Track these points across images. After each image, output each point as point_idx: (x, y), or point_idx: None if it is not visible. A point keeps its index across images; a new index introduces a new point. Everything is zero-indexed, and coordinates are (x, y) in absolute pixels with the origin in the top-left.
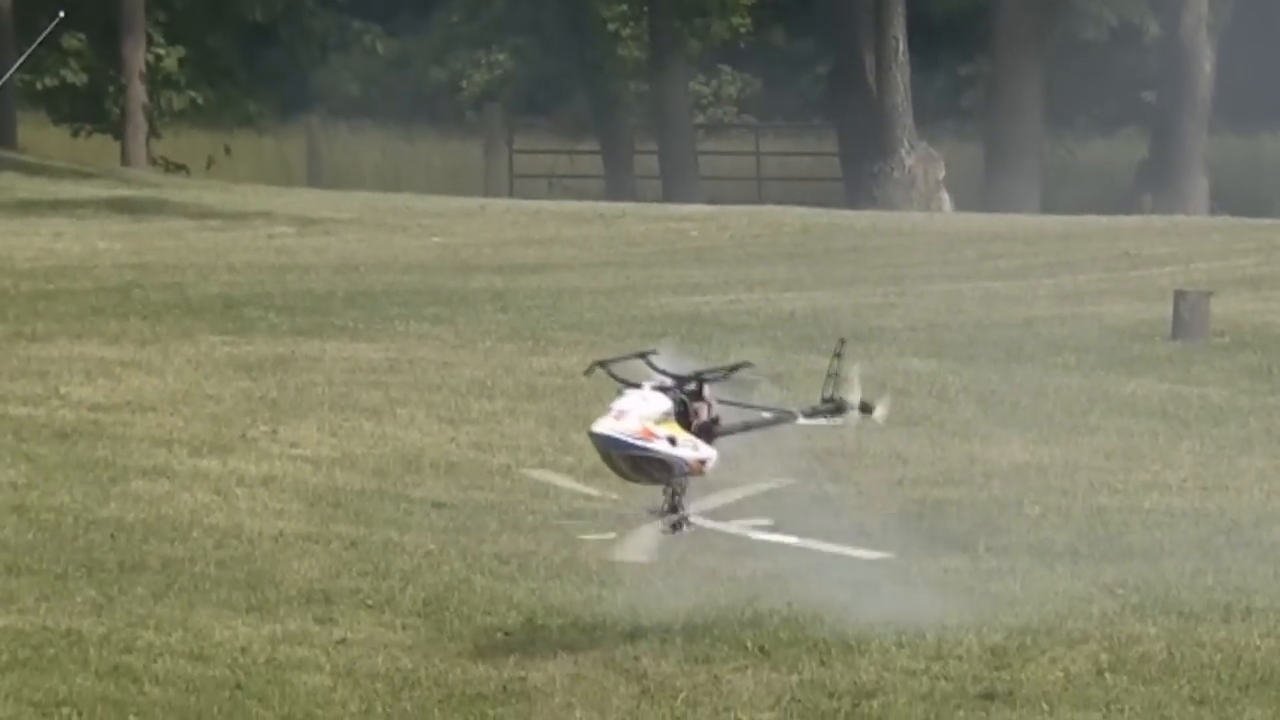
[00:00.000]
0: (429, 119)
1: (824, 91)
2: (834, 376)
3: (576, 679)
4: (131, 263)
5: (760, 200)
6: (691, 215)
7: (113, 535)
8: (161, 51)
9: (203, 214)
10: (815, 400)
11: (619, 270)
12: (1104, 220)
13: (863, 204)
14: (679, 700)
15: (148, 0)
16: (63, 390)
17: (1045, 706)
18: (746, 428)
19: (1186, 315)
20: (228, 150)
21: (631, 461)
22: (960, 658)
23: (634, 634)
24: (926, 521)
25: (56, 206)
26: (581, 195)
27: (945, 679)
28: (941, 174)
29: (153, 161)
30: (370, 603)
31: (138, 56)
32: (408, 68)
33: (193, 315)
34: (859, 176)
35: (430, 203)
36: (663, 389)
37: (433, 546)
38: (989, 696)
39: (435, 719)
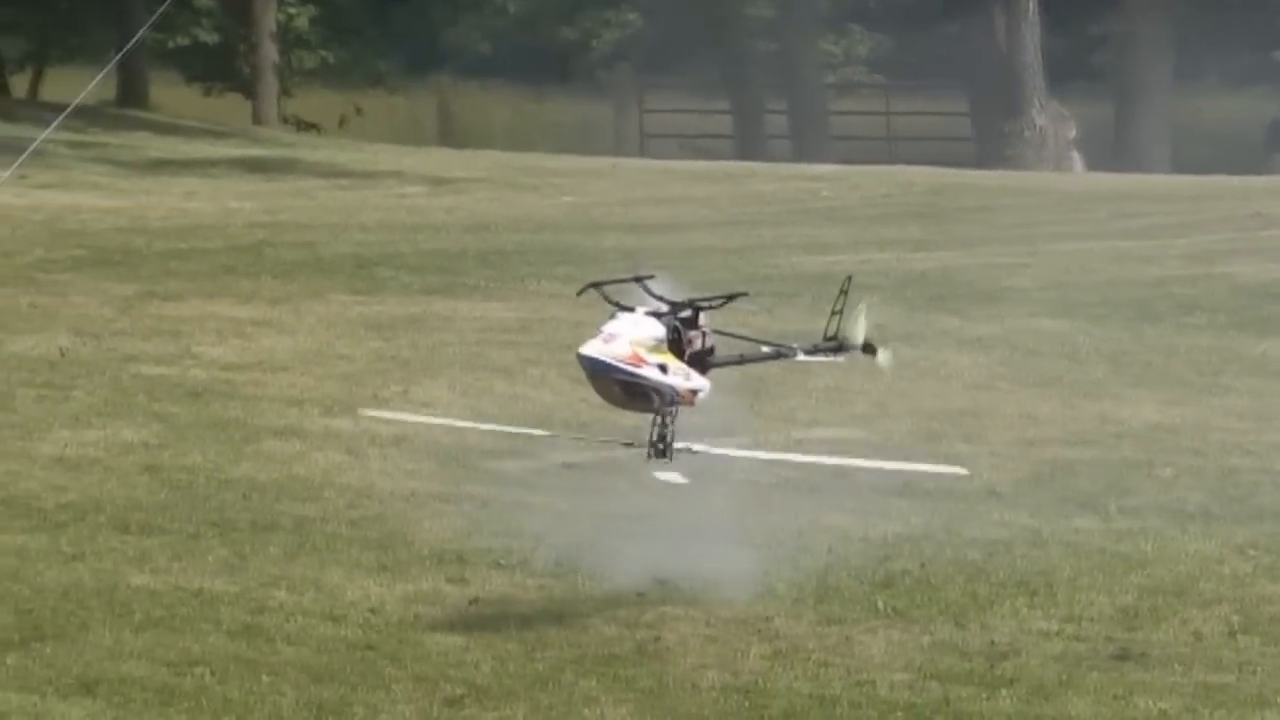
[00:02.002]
0: (559, 78)
1: (955, 51)
2: (838, 314)
3: (709, 639)
4: (263, 222)
5: (891, 160)
6: (822, 174)
7: (245, 495)
8: (292, 10)
9: (334, 173)
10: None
11: (749, 229)
12: (1234, 180)
13: (993, 163)
14: (812, 661)
15: None
16: (195, 349)
17: (1177, 667)
18: (743, 361)
19: None
20: (359, 109)
21: (620, 386)
22: (1093, 619)
23: (767, 595)
24: (1058, 482)
25: (189, 166)
26: (712, 155)
27: (1078, 640)
28: (1072, 133)
29: (284, 120)
30: (502, 563)
31: (269, 15)
32: (538, 26)
33: (324, 274)
34: (990, 136)
35: (561, 162)
36: (656, 315)
37: (564, 507)
38: (1121, 657)
39: (568, 679)
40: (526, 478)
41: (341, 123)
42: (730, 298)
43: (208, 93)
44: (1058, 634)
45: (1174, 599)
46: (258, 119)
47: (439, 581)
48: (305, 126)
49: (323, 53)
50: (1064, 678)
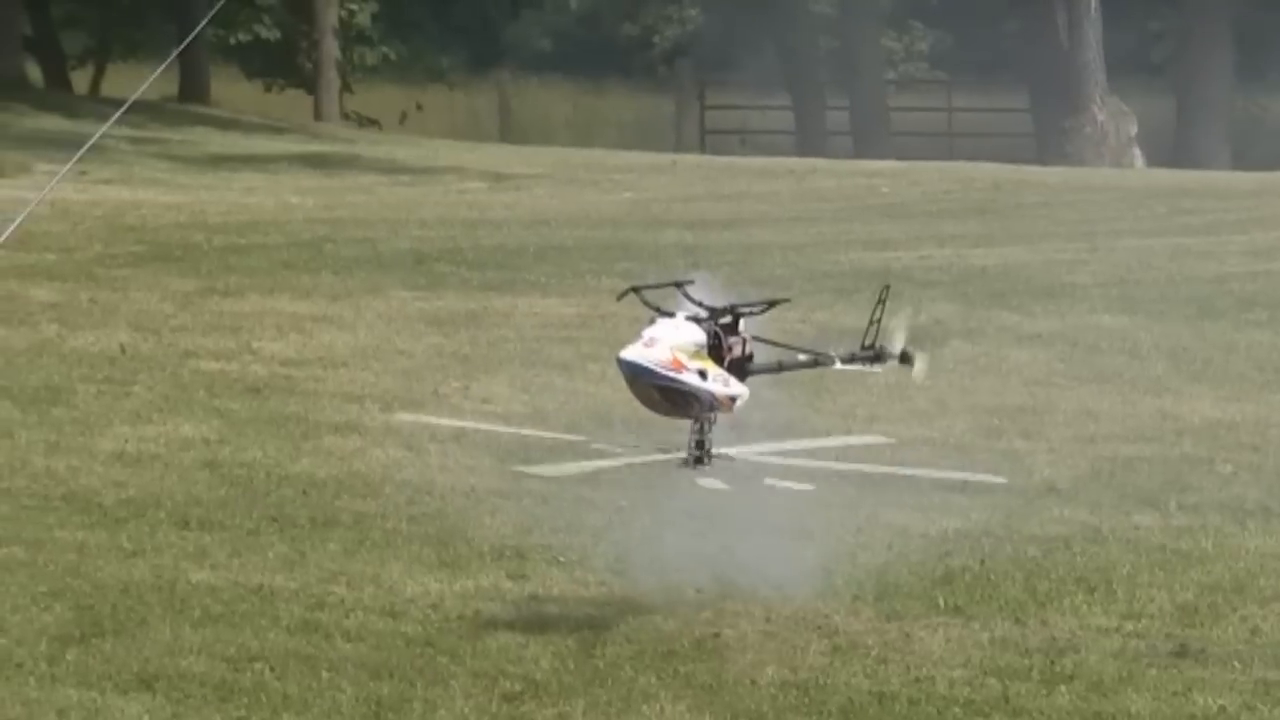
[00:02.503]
0: (620, 74)
1: (1015, 47)
2: (876, 324)
3: (768, 635)
4: (323, 218)
5: (951, 156)
6: (882, 171)
7: (304, 491)
8: (354, 6)
9: (394, 169)
10: (855, 346)
11: (809, 225)
12: None
13: (1054, 159)
14: (870, 657)
15: None
16: (254, 345)
17: (1237, 665)
18: (780, 368)
19: None
20: (419, 106)
21: (659, 391)
22: (1152, 615)
23: (826, 592)
24: (1117, 478)
25: (249, 161)
26: (773, 151)
27: (1137, 636)
28: (1133, 129)
29: (345, 116)
30: (562, 559)
31: (330, 11)
32: (599, 22)
33: (384, 270)
34: (1050, 132)
35: (621, 158)
36: (696, 320)
37: (624, 503)
38: (1181, 654)
39: (628, 675)
40: (587, 474)
41: (402, 119)
42: (772, 304)
43: (269, 89)
44: (1117, 631)
45: (1233, 596)
46: (318, 115)
47: (498, 577)
48: (366, 122)
49: (384, 48)
50: (1123, 674)
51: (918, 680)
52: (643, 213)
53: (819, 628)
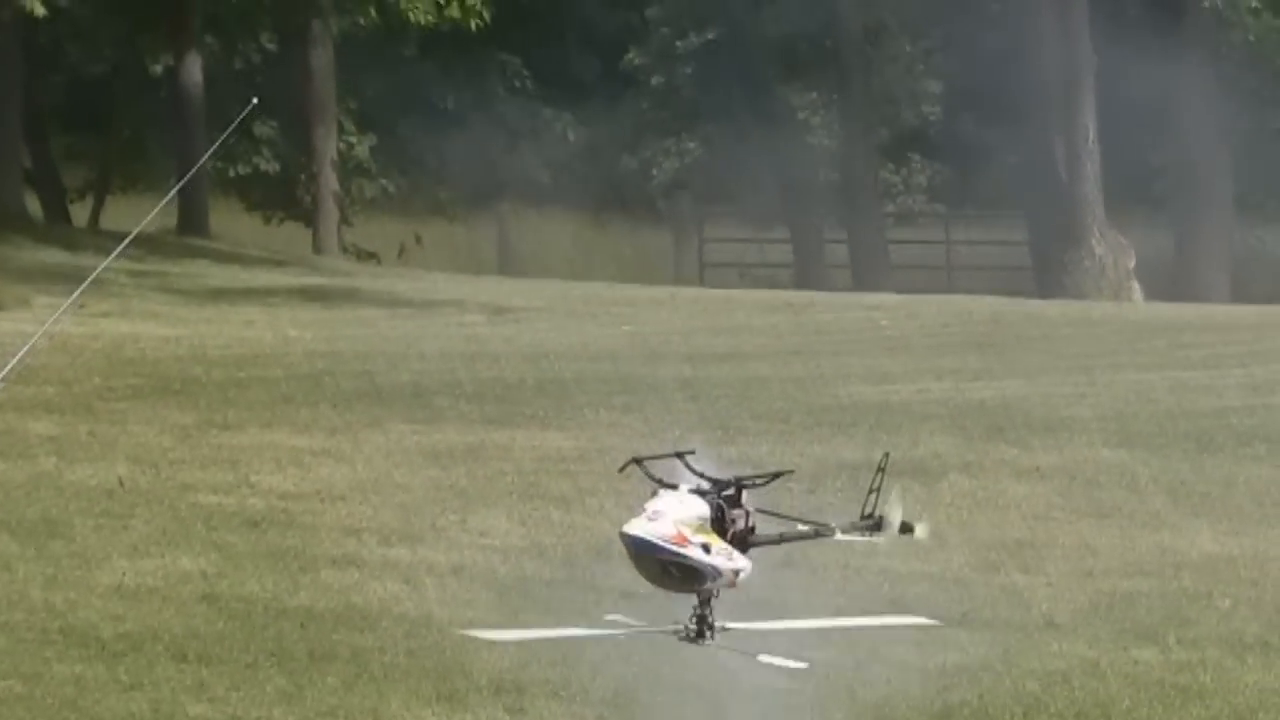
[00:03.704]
0: (619, 206)
1: (1014, 179)
2: (876, 493)
3: None
4: (323, 351)
5: (950, 288)
6: (881, 304)
7: (303, 624)
8: (353, 139)
9: (394, 302)
10: (855, 516)
11: (808, 359)
12: None
13: (1053, 292)
14: None
15: (339, 88)
16: (253, 479)
17: None
18: (782, 539)
19: None
20: (418, 239)
21: (662, 566)
22: None
23: None
24: (1116, 612)
25: (248, 294)
26: (772, 283)
27: None
28: (1132, 263)
29: (344, 249)
30: (561, 693)
31: (329, 144)
32: (598, 155)
33: (383, 404)
34: (1049, 265)
35: (620, 291)
36: (700, 492)
37: (622, 637)
38: None
39: None
40: (586, 608)
41: (401, 252)
42: (775, 476)
43: (268, 221)
44: None
45: None
46: (318, 248)
47: (497, 711)
48: (365, 255)
49: (382, 181)
50: None
51: None
52: (641, 346)
53: None
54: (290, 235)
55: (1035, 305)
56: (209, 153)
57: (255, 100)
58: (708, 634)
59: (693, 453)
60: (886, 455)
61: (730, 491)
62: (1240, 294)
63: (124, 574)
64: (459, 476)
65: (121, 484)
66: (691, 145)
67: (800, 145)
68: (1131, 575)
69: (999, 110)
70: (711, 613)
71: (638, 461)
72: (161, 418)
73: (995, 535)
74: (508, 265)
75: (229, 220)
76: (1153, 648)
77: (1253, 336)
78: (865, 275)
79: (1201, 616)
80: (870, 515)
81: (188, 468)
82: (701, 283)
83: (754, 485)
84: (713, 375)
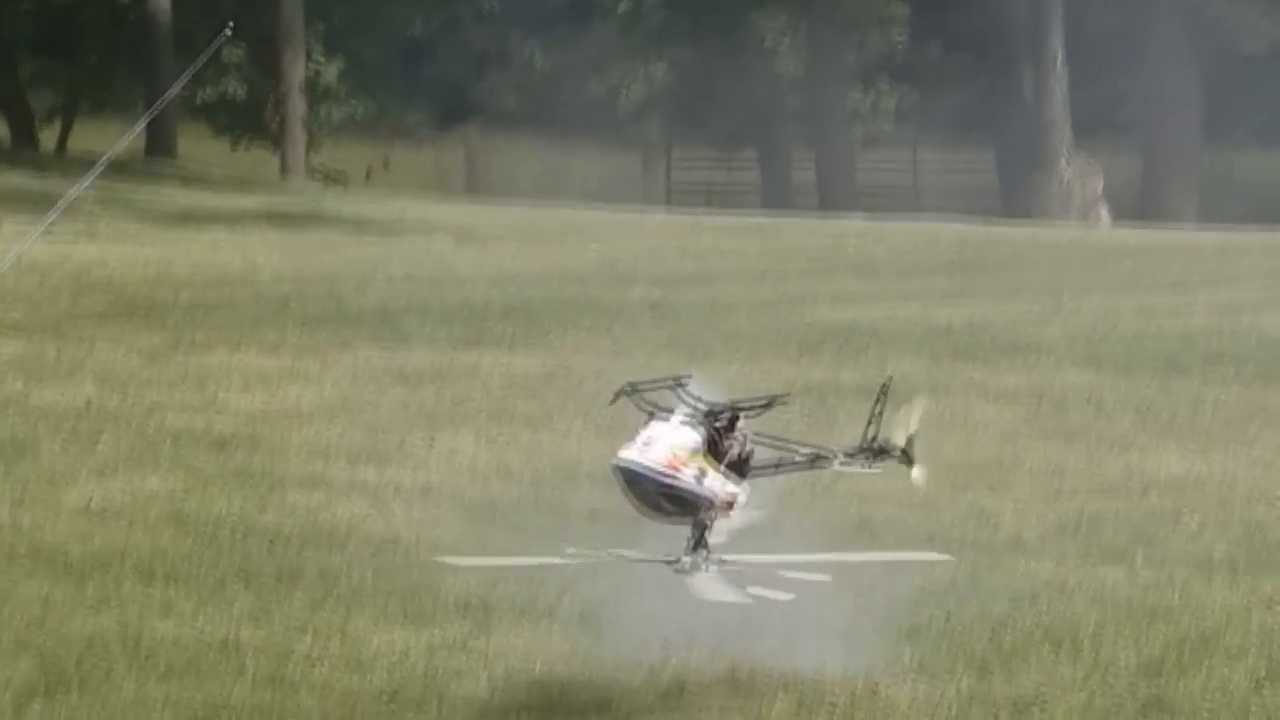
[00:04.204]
0: (587, 131)
1: (982, 103)
2: (877, 419)
3: (733, 690)
4: (290, 273)
5: (917, 212)
6: (848, 227)
7: (270, 544)
8: (320, 64)
9: (361, 225)
10: (857, 442)
11: (775, 282)
12: (1262, 233)
13: (1020, 216)
14: (836, 712)
15: (307, 12)
16: (221, 400)
17: (1204, 719)
18: (779, 467)
19: None
20: (386, 162)
21: (655, 495)
22: (1118, 670)
23: (792, 644)
24: (1084, 533)
25: (216, 217)
26: (739, 207)
27: (1104, 691)
28: (1100, 187)
29: (312, 173)
30: (527, 611)
31: (297, 69)
32: (565, 80)
33: (350, 326)
34: (1017, 188)
35: (588, 214)
36: (694, 419)
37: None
38: (1147, 709)
39: None
40: (553, 527)
41: (368, 175)
42: (771, 402)
43: (235, 145)
44: (1083, 685)
45: (1200, 650)
46: (285, 171)
47: (464, 630)
48: (333, 179)
49: (350, 105)
50: None
51: None
52: (609, 269)
53: (784, 682)
54: (258, 159)
55: (1003, 228)
56: (182, 80)
57: (229, 27)
58: (704, 565)
59: (688, 378)
60: (889, 379)
61: (725, 418)
62: (1208, 218)
63: (91, 494)
64: (426, 398)
65: (89, 405)
66: (659, 70)
67: (768, 69)
68: (1099, 496)
69: (967, 35)
70: (708, 543)
71: (632, 388)
72: (129, 339)
73: (963, 456)
74: (475, 189)
75: (196, 144)
76: (1120, 568)
77: (1219, 260)
78: (832, 198)
79: (1169, 536)
80: (872, 442)
81: (155, 389)
82: (669, 205)
83: (749, 411)
84: (680, 298)
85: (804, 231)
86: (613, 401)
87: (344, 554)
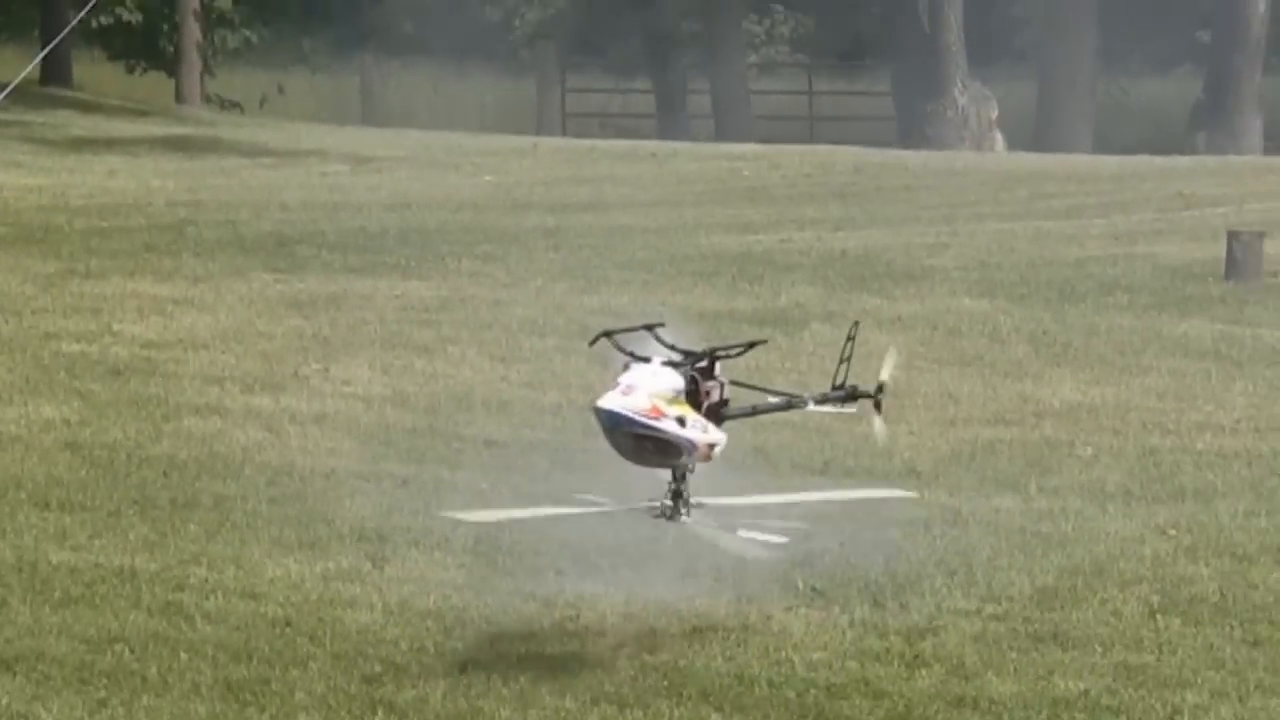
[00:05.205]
0: (482, 57)
1: (877, 30)
2: (847, 362)
3: (627, 618)
4: (185, 200)
5: (813, 139)
6: (743, 154)
7: (165, 472)
8: None
9: (256, 152)
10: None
11: (671, 209)
12: (1157, 160)
13: (915, 143)
14: (730, 640)
15: None
16: (116, 327)
17: (1097, 648)
18: (755, 412)
19: (1240, 255)
20: (281, 88)
21: (636, 440)
22: (1012, 599)
23: (687, 572)
24: (978, 461)
25: (111, 144)
26: (634, 134)
27: (997, 620)
28: (995, 113)
29: (207, 99)
30: (421, 541)
31: None
32: (461, 6)
33: (245, 253)
34: (912, 116)
35: (483, 141)
36: (673, 364)
37: (484, 485)
38: (1041, 637)
39: (487, 657)
40: (448, 455)
41: (263, 102)
42: (750, 346)
43: (131, 71)
44: (977, 614)
45: (1094, 579)
46: (180, 98)
47: (359, 559)
48: (228, 105)
49: (246, 32)
50: (984, 658)
51: (777, 663)
52: (504, 196)
53: (679, 610)
54: (153, 85)
55: (898, 155)
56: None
57: None
58: (683, 510)
59: (662, 324)
60: (856, 324)
61: (704, 363)
62: (1102, 145)
63: None
64: (321, 325)
65: None
66: None
67: None
68: (993, 424)
69: None
70: (687, 488)
71: (608, 335)
72: (24, 266)
73: (858, 383)
74: (370, 115)
75: (92, 70)
76: (1014, 496)
77: (1114, 187)
78: (728, 126)
79: (1063, 465)
80: (841, 385)
81: (50, 316)
82: (564, 132)
83: (729, 356)
84: (575, 225)
85: (699, 158)
86: (592, 344)
87: (239, 482)
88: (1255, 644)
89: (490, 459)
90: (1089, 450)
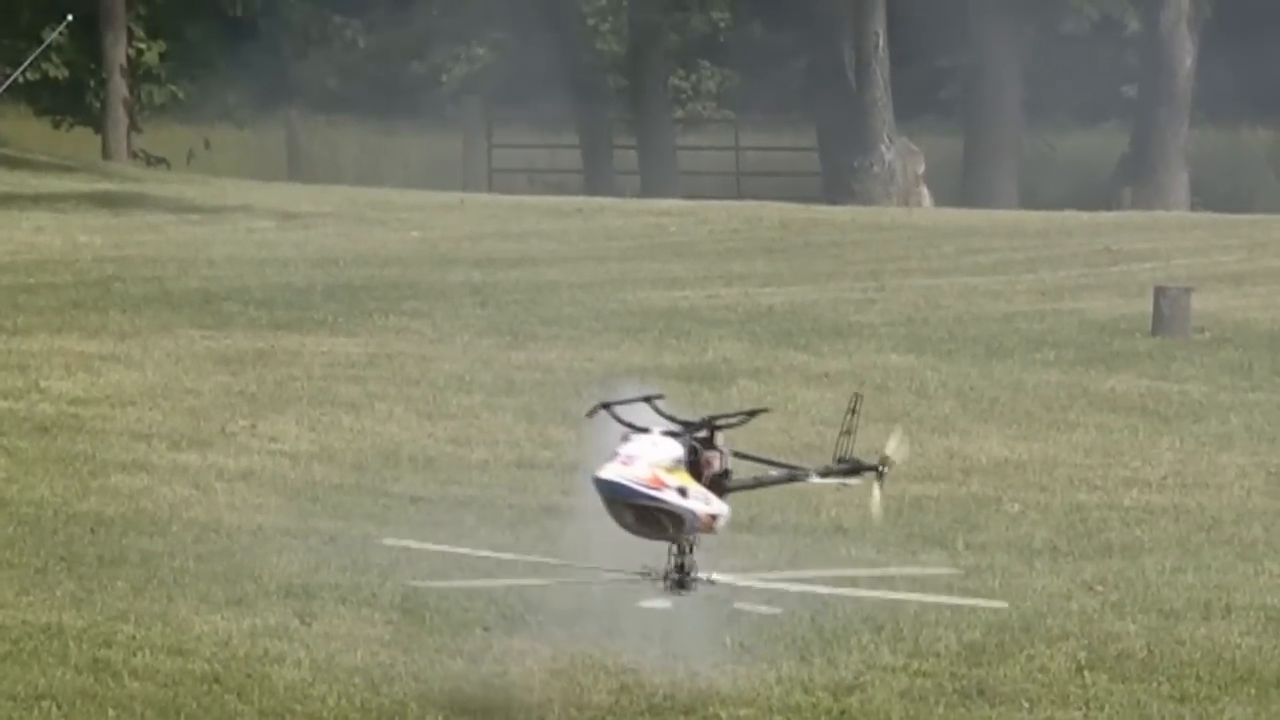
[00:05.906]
0: (408, 113)
1: (803, 86)
2: (849, 434)
3: (555, 674)
4: (112, 256)
5: (739, 195)
6: (670, 210)
7: (92, 529)
8: (142, 45)
9: (183, 208)
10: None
11: (597, 264)
12: (1084, 215)
13: (842, 198)
14: (657, 696)
15: None
16: (42, 384)
17: (1024, 704)
18: (758, 484)
19: (1167, 311)
20: (207, 144)
21: (638, 512)
22: (939, 654)
23: (613, 629)
24: (905, 518)
25: (37, 200)
26: (560, 190)
27: (924, 676)
28: (921, 168)
29: (133, 155)
30: (349, 598)
31: (119, 50)
32: (387, 61)
33: (172, 309)
34: (838, 171)
35: (409, 196)
36: (673, 435)
37: (411, 543)
38: (967, 694)
39: (414, 713)
40: (375, 511)
41: (190, 158)
42: (751, 415)
43: (57, 126)
44: (904, 670)
45: (1021, 635)
46: (107, 153)
47: (286, 615)
48: (154, 161)
49: (172, 87)
50: (910, 714)
51: (705, 719)
52: (430, 252)
53: (606, 667)
54: (80, 141)
55: (824, 211)
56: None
57: (69, 17)
58: (687, 584)
59: (660, 396)
60: (858, 396)
61: (704, 433)
62: (1028, 200)
63: None
64: (248, 382)
65: None
66: (480, 51)
67: (589, 50)
68: (920, 480)
69: (788, 15)
70: (692, 561)
71: (607, 406)
72: None
73: (784, 440)
74: (297, 171)
75: (18, 125)
76: (941, 552)
77: (1041, 242)
78: (654, 182)
79: (990, 521)
80: (844, 459)
81: None
82: (490, 188)
83: (729, 425)
84: (502, 280)
85: (626, 213)
86: (590, 415)
87: (166, 539)
88: (1182, 700)
89: (417, 515)
90: (1016, 506)
